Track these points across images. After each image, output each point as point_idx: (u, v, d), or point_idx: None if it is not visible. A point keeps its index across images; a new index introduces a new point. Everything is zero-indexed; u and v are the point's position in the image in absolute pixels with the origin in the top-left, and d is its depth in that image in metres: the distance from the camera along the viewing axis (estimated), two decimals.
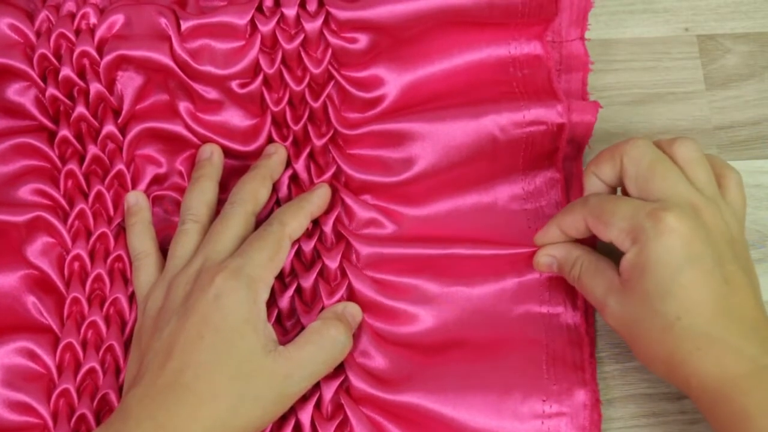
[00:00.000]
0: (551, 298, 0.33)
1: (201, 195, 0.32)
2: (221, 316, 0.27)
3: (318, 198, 0.32)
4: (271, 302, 0.31)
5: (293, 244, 0.32)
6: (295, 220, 0.31)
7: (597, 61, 0.38)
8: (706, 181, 0.29)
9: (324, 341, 0.29)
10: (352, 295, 0.32)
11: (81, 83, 0.34)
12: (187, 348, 0.27)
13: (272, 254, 0.29)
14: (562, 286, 0.33)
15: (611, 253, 0.30)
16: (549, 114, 0.33)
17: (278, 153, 0.33)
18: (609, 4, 0.39)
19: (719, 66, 0.38)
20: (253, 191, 0.31)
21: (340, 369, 0.31)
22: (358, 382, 0.30)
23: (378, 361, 0.31)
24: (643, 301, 0.27)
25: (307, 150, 0.34)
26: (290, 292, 0.32)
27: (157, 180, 0.35)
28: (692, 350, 0.26)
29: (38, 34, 0.34)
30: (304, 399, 0.30)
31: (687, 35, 0.38)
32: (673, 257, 0.27)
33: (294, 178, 0.34)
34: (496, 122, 0.33)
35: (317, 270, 0.32)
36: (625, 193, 0.31)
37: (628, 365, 0.33)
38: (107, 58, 0.33)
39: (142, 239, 0.32)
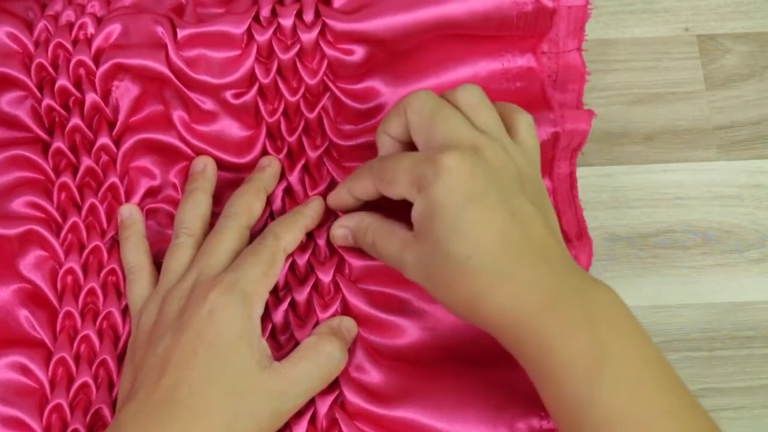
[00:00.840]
0: None
1: (195, 208, 0.32)
2: (215, 332, 0.27)
3: (312, 211, 0.32)
4: (265, 316, 0.31)
5: (287, 257, 0.32)
6: (290, 233, 0.31)
7: (597, 61, 0.38)
8: (490, 123, 0.29)
9: (319, 357, 0.29)
10: (346, 309, 0.32)
11: (77, 93, 0.34)
12: (181, 364, 0.27)
13: (267, 268, 0.29)
14: None
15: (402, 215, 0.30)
16: (542, 123, 0.33)
17: (272, 166, 0.33)
18: (609, 4, 0.39)
19: (719, 66, 0.38)
20: (247, 204, 0.31)
21: (335, 384, 0.31)
22: (353, 397, 0.30)
23: (373, 375, 0.31)
24: (435, 247, 0.27)
25: (302, 162, 0.34)
26: (284, 305, 0.32)
27: (151, 192, 0.35)
28: (488, 288, 0.26)
29: (37, 44, 0.34)
30: (298, 414, 0.30)
31: (687, 35, 0.38)
32: (455, 197, 0.26)
33: (288, 190, 0.34)
34: None
35: (311, 284, 0.32)
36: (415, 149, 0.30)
37: None
38: (103, 68, 0.33)
39: (135, 253, 0.32)
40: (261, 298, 0.29)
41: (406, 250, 0.28)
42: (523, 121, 0.30)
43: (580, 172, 0.36)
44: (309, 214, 0.32)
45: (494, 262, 0.26)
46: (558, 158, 0.34)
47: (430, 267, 0.27)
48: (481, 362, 0.32)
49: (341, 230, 0.32)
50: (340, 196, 0.32)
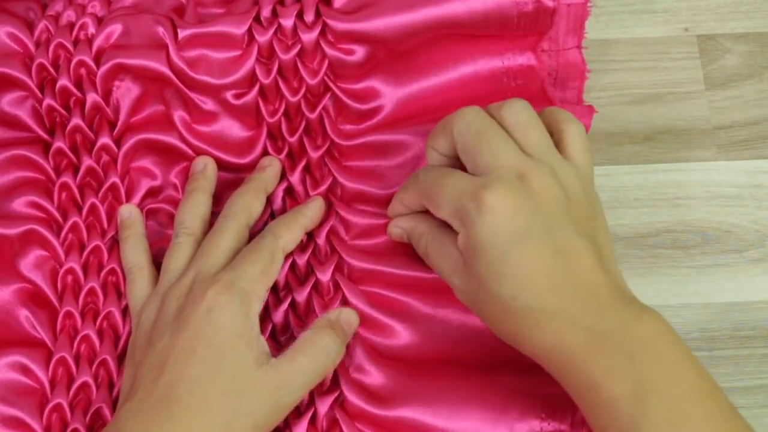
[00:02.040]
0: None
1: (194, 208, 0.32)
2: (214, 330, 0.27)
3: (311, 211, 0.32)
4: (265, 316, 0.32)
5: (287, 257, 0.32)
6: (289, 232, 0.31)
7: (596, 61, 0.38)
8: (537, 141, 0.28)
9: (316, 352, 0.29)
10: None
11: (78, 93, 0.34)
12: (179, 362, 0.27)
13: (265, 267, 0.29)
14: None
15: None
16: None
17: (272, 166, 0.33)
18: (609, 4, 0.39)
19: (719, 66, 0.38)
20: (246, 204, 0.31)
21: (335, 384, 0.31)
22: (353, 398, 0.30)
23: (373, 376, 0.31)
24: (479, 283, 0.27)
25: (303, 162, 0.34)
26: (284, 306, 0.32)
27: (151, 192, 0.35)
28: (532, 326, 0.26)
29: (37, 44, 0.34)
30: (298, 414, 0.30)
31: (687, 35, 0.38)
32: (498, 238, 0.26)
33: (289, 190, 0.34)
34: None
35: (311, 284, 0.32)
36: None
37: None
38: (104, 68, 0.33)
39: (135, 252, 0.32)
40: (259, 296, 0.29)
41: (456, 273, 0.28)
42: (573, 131, 0.29)
43: None
44: (309, 214, 0.32)
45: (539, 301, 0.26)
46: None
47: (477, 297, 0.28)
48: (482, 365, 0.32)
49: (397, 230, 0.32)
50: (395, 208, 0.32)
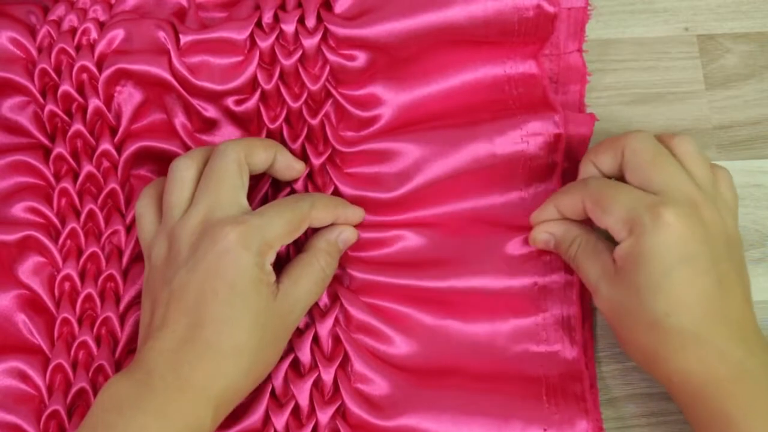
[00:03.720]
0: (548, 337, 0.33)
1: (199, 148, 0.32)
2: (234, 273, 0.27)
3: (352, 212, 0.33)
4: None
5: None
6: (325, 211, 0.31)
7: (597, 61, 0.38)
8: (704, 176, 0.30)
9: (315, 274, 0.30)
10: (346, 318, 0.33)
11: (80, 99, 0.34)
12: (202, 303, 0.27)
13: (291, 229, 0.29)
14: (558, 324, 0.33)
15: (608, 236, 0.30)
16: (546, 125, 0.34)
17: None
18: (609, 4, 0.39)
19: (719, 66, 0.38)
20: (252, 145, 0.31)
21: (336, 394, 0.31)
22: (354, 408, 0.31)
23: (376, 384, 0.32)
24: (633, 293, 0.27)
25: (306, 170, 0.34)
26: None
27: None
28: (677, 348, 0.27)
29: (40, 50, 0.34)
30: (300, 425, 0.31)
31: (687, 35, 0.38)
32: (668, 253, 0.27)
33: None
34: (494, 139, 0.33)
35: None
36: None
37: (628, 365, 0.34)
38: (106, 73, 0.34)
39: (145, 194, 0.31)
40: (275, 251, 0.29)
41: (605, 278, 0.29)
42: (725, 173, 0.31)
43: None
44: (349, 211, 0.32)
45: (691, 325, 0.27)
46: (561, 162, 0.35)
47: (623, 307, 0.28)
48: (484, 375, 0.32)
49: (545, 235, 0.32)
50: (545, 210, 0.32)
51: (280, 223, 0.29)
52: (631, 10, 0.39)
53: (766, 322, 0.34)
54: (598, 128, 0.37)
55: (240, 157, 0.30)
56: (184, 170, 0.30)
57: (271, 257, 0.29)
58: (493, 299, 0.33)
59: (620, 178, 0.31)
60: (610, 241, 0.30)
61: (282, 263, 0.31)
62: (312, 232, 0.33)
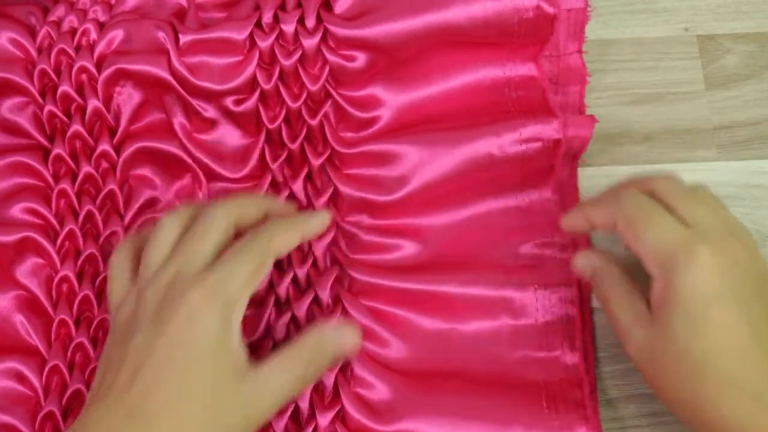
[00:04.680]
0: (548, 343, 0.33)
1: (185, 205, 0.30)
2: (193, 339, 0.26)
3: (316, 222, 0.31)
4: (266, 331, 0.32)
5: (288, 269, 0.32)
6: (286, 236, 0.29)
7: (597, 61, 0.38)
8: (730, 218, 0.29)
9: (295, 370, 0.28)
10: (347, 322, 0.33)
11: (79, 100, 0.34)
12: (154, 370, 0.25)
13: (255, 270, 0.27)
14: (558, 330, 0.33)
15: (638, 271, 0.29)
16: (545, 130, 0.34)
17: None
18: (609, 4, 0.39)
19: (719, 66, 0.38)
20: (242, 203, 0.29)
21: (336, 398, 0.31)
22: (354, 412, 0.31)
23: (376, 388, 0.32)
24: (670, 336, 0.27)
25: (305, 171, 0.34)
26: (285, 319, 0.32)
27: (151, 202, 0.35)
28: (716, 392, 0.26)
29: (39, 50, 0.35)
30: (299, 428, 0.31)
31: (687, 35, 0.38)
32: (704, 291, 0.26)
33: (290, 199, 0.34)
34: (492, 142, 0.33)
35: (311, 297, 0.32)
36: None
37: (628, 365, 0.34)
38: (105, 73, 0.34)
39: (119, 252, 0.30)
40: (243, 302, 0.27)
41: (639, 325, 0.28)
42: (740, 221, 0.30)
43: (581, 172, 0.37)
44: (312, 223, 0.30)
45: (730, 367, 0.26)
46: (559, 166, 0.35)
47: (658, 353, 0.27)
48: (484, 379, 0.32)
49: (585, 261, 0.31)
50: (575, 219, 0.31)
51: (241, 271, 0.27)
52: (631, 10, 0.39)
53: None
54: (598, 128, 0.37)
55: (228, 218, 0.28)
56: (167, 227, 0.28)
57: (240, 313, 0.26)
58: (493, 304, 0.33)
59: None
60: (639, 276, 0.29)
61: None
62: (307, 281, 0.32)
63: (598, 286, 0.30)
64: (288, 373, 0.27)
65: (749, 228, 0.35)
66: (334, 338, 0.29)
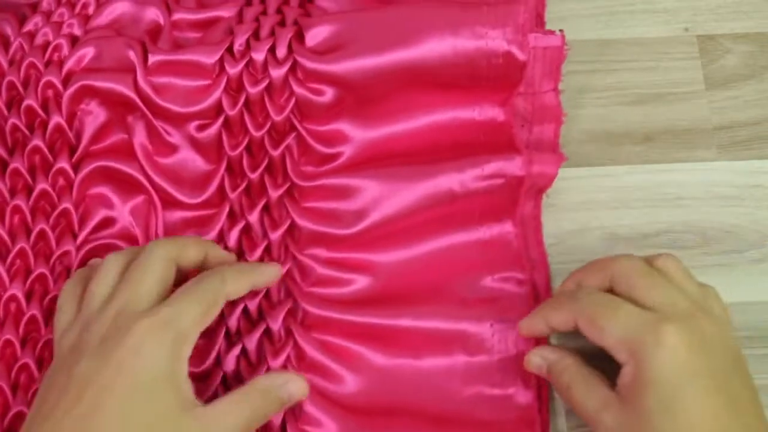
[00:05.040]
0: (503, 380, 0.33)
1: (133, 247, 0.31)
2: (140, 369, 0.26)
3: (268, 273, 0.32)
4: (216, 364, 0.32)
5: (238, 301, 0.32)
6: (238, 283, 0.30)
7: (597, 61, 0.39)
8: (695, 291, 0.30)
9: (243, 413, 0.28)
10: (299, 355, 0.33)
11: (42, 115, 0.35)
12: (97, 396, 0.26)
13: (206, 310, 0.28)
14: (513, 367, 0.33)
15: (601, 360, 0.30)
16: (508, 166, 0.34)
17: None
18: (609, 4, 0.40)
19: (719, 66, 0.38)
20: (184, 243, 0.30)
21: None
22: None
23: (323, 426, 0.32)
24: (643, 419, 0.27)
25: (263, 202, 0.34)
26: (236, 352, 0.32)
27: (107, 222, 0.35)
28: None
29: (11, 62, 0.35)
30: None
31: (687, 35, 0.39)
32: (674, 375, 0.27)
33: (246, 230, 0.34)
34: (454, 178, 0.34)
35: (261, 329, 0.32)
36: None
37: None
38: (70, 90, 0.34)
39: (68, 286, 0.31)
40: (193, 339, 0.28)
41: (607, 410, 0.28)
42: (712, 291, 0.31)
43: (580, 172, 0.37)
44: (265, 274, 0.31)
45: None
46: (522, 201, 0.35)
47: None
48: (436, 416, 0.32)
49: (538, 359, 0.31)
50: (534, 323, 0.31)
51: (192, 309, 0.28)
52: (631, 10, 0.40)
53: (765, 323, 0.35)
54: (598, 128, 0.38)
55: (169, 254, 0.29)
56: (112, 262, 0.30)
57: (188, 349, 0.27)
58: (448, 338, 0.33)
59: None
60: (603, 364, 0.30)
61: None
62: (258, 314, 0.32)
63: (557, 379, 0.31)
64: (233, 416, 0.28)
65: (750, 228, 0.36)
66: (282, 386, 0.30)
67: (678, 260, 0.30)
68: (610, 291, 0.30)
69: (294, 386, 0.30)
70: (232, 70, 0.34)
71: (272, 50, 0.34)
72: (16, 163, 0.34)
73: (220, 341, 0.32)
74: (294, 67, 0.34)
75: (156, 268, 0.29)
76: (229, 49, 0.34)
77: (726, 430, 0.26)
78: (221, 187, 0.34)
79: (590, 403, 0.29)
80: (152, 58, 0.34)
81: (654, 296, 0.28)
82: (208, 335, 0.32)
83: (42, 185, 0.34)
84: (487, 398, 0.33)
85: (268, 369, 0.32)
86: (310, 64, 0.33)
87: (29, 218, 0.34)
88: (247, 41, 0.34)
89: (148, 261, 0.29)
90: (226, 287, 0.29)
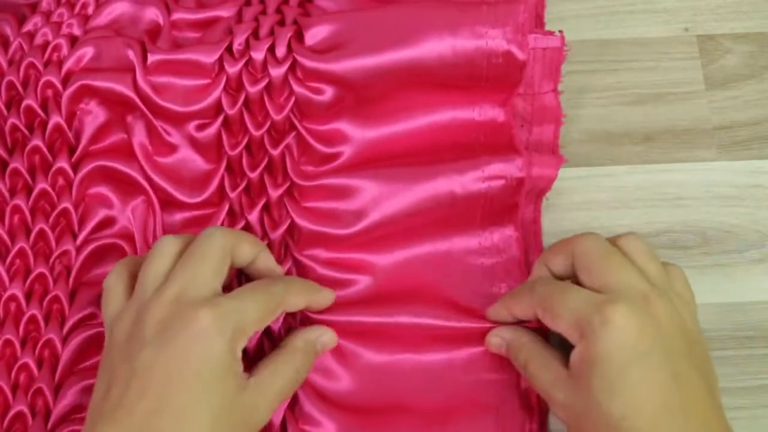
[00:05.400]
0: (502, 365, 0.33)
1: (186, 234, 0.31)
2: (202, 359, 0.26)
3: (326, 297, 0.32)
4: None
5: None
6: (298, 297, 0.31)
7: (597, 61, 0.39)
8: (657, 272, 0.30)
9: (288, 374, 0.29)
10: None
11: (42, 114, 0.35)
12: (164, 388, 0.26)
13: (265, 312, 0.29)
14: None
15: (561, 342, 0.30)
16: (508, 168, 0.34)
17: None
18: (609, 4, 0.40)
19: (719, 66, 0.38)
20: (240, 238, 0.30)
21: None
22: None
23: (322, 427, 0.32)
24: (589, 398, 0.27)
25: (263, 202, 0.34)
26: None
27: (106, 222, 0.36)
28: None
29: (10, 62, 0.35)
30: None
31: (687, 35, 0.39)
32: (619, 354, 0.27)
33: (246, 229, 0.34)
34: (454, 179, 0.34)
35: (261, 330, 0.32)
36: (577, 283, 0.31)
37: None
38: (70, 90, 0.35)
39: (116, 268, 0.31)
40: (248, 337, 0.28)
41: (558, 386, 0.29)
42: (678, 272, 0.31)
43: (580, 172, 0.37)
44: (323, 296, 0.32)
45: (649, 426, 0.26)
46: (522, 204, 0.35)
47: (579, 414, 0.28)
48: (435, 412, 0.33)
49: (497, 339, 0.32)
50: (498, 312, 0.32)
51: (255, 308, 0.28)
52: (631, 10, 0.40)
53: (765, 323, 0.35)
54: (598, 128, 0.38)
55: (227, 243, 0.29)
56: (166, 246, 0.29)
57: (243, 344, 0.28)
58: (448, 334, 0.34)
59: (575, 279, 0.31)
60: (561, 347, 0.30)
61: (251, 358, 0.32)
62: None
63: (516, 357, 0.31)
64: (282, 377, 0.29)
65: (750, 228, 0.36)
66: (316, 339, 0.31)
67: (642, 240, 0.30)
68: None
69: (326, 337, 0.31)
70: (232, 69, 0.34)
71: (272, 49, 0.34)
72: (16, 163, 0.34)
73: None
74: (293, 67, 0.34)
75: (215, 255, 0.28)
76: (229, 49, 0.34)
77: (668, 409, 0.26)
78: (221, 187, 0.35)
79: (545, 379, 0.29)
80: (151, 58, 0.34)
81: (609, 278, 0.28)
82: None
83: (42, 185, 0.34)
84: (488, 383, 0.33)
85: None
86: (309, 63, 0.33)
87: (29, 218, 0.34)
88: (247, 40, 0.34)
89: (207, 247, 0.28)
90: (288, 298, 0.30)
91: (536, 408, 0.33)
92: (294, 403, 0.32)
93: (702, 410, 0.27)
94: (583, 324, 0.27)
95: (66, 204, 0.34)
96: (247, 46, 0.34)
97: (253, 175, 0.34)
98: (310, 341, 0.31)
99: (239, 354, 0.28)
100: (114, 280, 0.30)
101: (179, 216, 0.35)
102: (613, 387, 0.26)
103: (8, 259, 0.34)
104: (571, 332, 0.28)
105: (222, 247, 0.29)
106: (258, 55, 0.34)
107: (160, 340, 0.27)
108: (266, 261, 0.31)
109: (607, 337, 0.27)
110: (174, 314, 0.27)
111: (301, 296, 0.30)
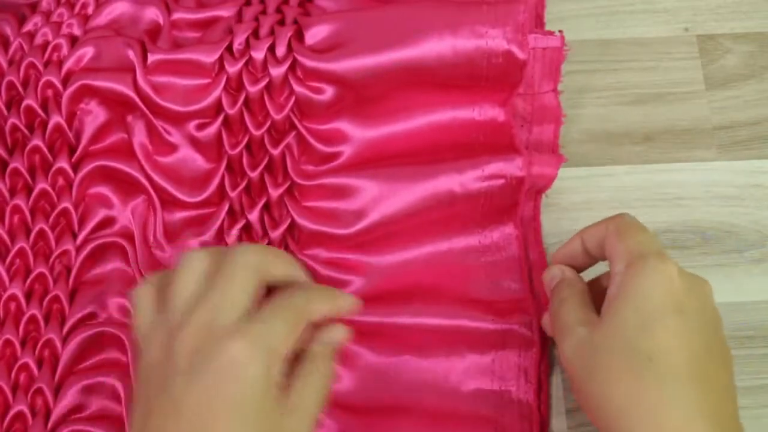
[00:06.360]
0: (503, 375, 0.34)
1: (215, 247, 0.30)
2: (239, 387, 0.26)
3: (348, 303, 0.31)
4: None
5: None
6: (321, 304, 0.29)
7: (597, 61, 0.39)
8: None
9: (319, 382, 0.29)
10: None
11: (42, 114, 0.35)
12: (202, 423, 0.25)
13: (293, 328, 0.28)
14: (513, 363, 0.34)
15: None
16: (508, 167, 0.34)
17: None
18: (609, 4, 0.40)
19: (719, 66, 0.38)
20: (271, 257, 0.29)
21: None
22: None
23: (324, 428, 0.32)
24: (618, 329, 0.27)
25: (263, 201, 0.34)
26: None
27: (107, 222, 0.36)
28: (657, 397, 0.26)
29: (10, 62, 0.35)
30: None
31: (687, 35, 0.39)
32: (663, 299, 0.27)
33: (247, 228, 0.35)
34: (454, 179, 0.34)
35: None
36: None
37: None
38: (70, 89, 0.35)
39: (145, 284, 0.30)
40: (282, 355, 0.27)
41: (586, 325, 0.29)
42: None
43: (580, 172, 0.37)
44: (347, 302, 0.31)
45: (671, 375, 0.26)
46: (522, 202, 0.35)
47: (601, 350, 0.28)
48: (436, 413, 0.33)
49: (557, 271, 0.32)
50: (572, 243, 0.33)
51: (281, 328, 0.27)
52: (631, 10, 0.40)
53: (765, 323, 0.35)
54: (598, 128, 0.38)
55: (259, 261, 0.28)
56: (196, 260, 0.28)
57: (279, 364, 0.27)
58: (448, 335, 0.34)
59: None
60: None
61: None
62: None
63: (560, 290, 0.32)
64: (314, 389, 0.29)
65: (750, 228, 0.36)
66: (331, 338, 0.30)
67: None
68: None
69: (339, 333, 0.30)
70: (232, 69, 0.34)
71: (272, 49, 0.34)
72: (16, 163, 0.34)
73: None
74: (294, 66, 0.34)
75: (245, 274, 0.27)
76: (229, 48, 0.34)
77: (697, 368, 0.26)
78: (221, 186, 0.35)
79: (573, 315, 0.29)
80: (151, 58, 0.34)
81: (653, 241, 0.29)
82: None
83: (42, 185, 0.34)
84: (487, 393, 0.33)
85: None
86: (309, 63, 0.33)
87: (29, 218, 0.34)
88: (247, 40, 0.34)
89: (238, 264, 0.28)
90: (310, 307, 0.29)
91: (536, 420, 0.32)
92: None
93: (724, 379, 0.27)
94: (640, 256, 0.28)
95: (66, 204, 0.34)
96: (248, 45, 0.34)
97: (254, 175, 0.34)
98: (330, 345, 0.30)
99: (277, 377, 0.27)
100: (144, 293, 0.29)
101: (179, 215, 0.35)
102: (647, 325, 0.26)
103: (8, 259, 0.34)
104: (622, 257, 0.28)
105: (254, 265, 0.28)
106: (258, 55, 0.34)
107: (192, 369, 0.26)
108: (294, 275, 0.30)
109: (658, 277, 0.27)
110: (204, 342, 0.26)
111: (324, 304, 0.30)
